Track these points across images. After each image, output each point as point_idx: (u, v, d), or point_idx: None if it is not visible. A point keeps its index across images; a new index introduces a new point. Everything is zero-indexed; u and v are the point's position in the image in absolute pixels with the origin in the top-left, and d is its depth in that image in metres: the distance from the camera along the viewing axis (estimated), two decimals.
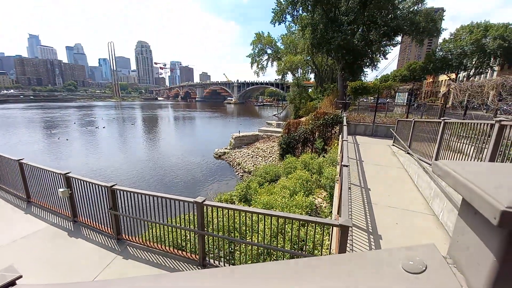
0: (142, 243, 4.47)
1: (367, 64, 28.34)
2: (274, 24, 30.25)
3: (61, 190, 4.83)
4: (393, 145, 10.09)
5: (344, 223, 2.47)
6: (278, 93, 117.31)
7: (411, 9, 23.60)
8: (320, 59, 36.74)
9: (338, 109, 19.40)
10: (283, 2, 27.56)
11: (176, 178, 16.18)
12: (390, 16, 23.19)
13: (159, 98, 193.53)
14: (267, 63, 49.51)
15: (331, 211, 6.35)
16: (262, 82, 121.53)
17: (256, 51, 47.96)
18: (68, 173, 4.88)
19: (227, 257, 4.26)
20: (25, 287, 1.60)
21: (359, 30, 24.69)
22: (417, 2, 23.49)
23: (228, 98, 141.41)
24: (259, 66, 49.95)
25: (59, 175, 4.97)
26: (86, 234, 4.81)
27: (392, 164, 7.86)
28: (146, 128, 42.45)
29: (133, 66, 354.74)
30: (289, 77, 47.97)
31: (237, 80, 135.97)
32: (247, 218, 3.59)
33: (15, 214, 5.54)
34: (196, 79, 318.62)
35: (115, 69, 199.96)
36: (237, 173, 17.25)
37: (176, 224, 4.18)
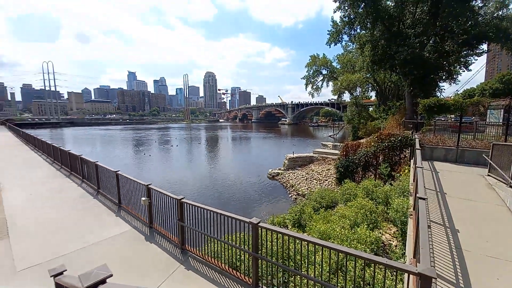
0: (201, 256, 4.77)
1: (443, 78, 24.56)
2: (329, 45, 30.10)
3: (143, 198, 5.76)
4: (489, 175, 8.06)
5: (425, 271, 2.02)
6: (334, 113, 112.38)
7: (494, 14, 20.06)
8: (382, 76, 33.98)
9: (408, 129, 17.10)
10: (339, 24, 27.43)
11: (232, 195, 16.96)
12: (470, 23, 20.05)
13: (220, 120, 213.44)
14: (322, 84, 48.84)
15: (404, 252, 5.38)
16: (317, 102, 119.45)
17: (311, 72, 48.18)
18: (149, 184, 5.80)
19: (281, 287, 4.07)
20: (113, 286, 1.92)
21: (430, 41, 22.10)
22: (501, 6, 19.89)
23: (282, 119, 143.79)
24: (314, 87, 49.66)
25: (142, 186, 5.96)
26: (158, 241, 5.48)
27: (488, 200, 6.23)
28: (208, 146, 46.94)
29: (201, 93, 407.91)
30: (346, 97, 45.72)
31: (292, 102, 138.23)
32: (302, 246, 3.39)
33: (108, 217, 6.83)
34: (253, 102, 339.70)
35: (187, 96, 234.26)
36: (290, 195, 16.83)
37: (231, 242, 4.33)
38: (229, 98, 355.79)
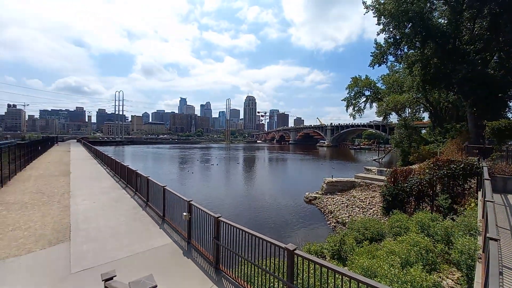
0: (234, 279, 4.73)
1: None
2: (373, 67, 29.05)
3: (184, 214, 6.14)
4: None
5: None
6: (379, 135, 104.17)
7: None
8: (436, 96, 30.79)
9: (472, 155, 14.76)
10: (383, 45, 26.52)
11: (266, 217, 16.62)
12: None
13: (258, 141, 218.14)
14: (364, 105, 46.58)
15: None
16: (359, 124, 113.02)
17: (353, 94, 46.66)
18: (190, 200, 6.19)
19: None
20: None
21: (494, 58, 19.56)
22: None
23: (321, 141, 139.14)
24: (356, 109, 47.60)
25: (185, 202, 6.39)
26: (195, 257, 5.68)
27: None
28: (246, 166, 47.93)
29: (241, 115, 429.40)
30: (393, 118, 42.33)
31: (331, 124, 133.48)
32: (343, 282, 3.00)
33: (153, 227, 7.41)
34: (291, 124, 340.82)
35: (228, 118, 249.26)
36: (328, 222, 15.64)
37: (265, 267, 4.21)
38: (267, 120, 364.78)
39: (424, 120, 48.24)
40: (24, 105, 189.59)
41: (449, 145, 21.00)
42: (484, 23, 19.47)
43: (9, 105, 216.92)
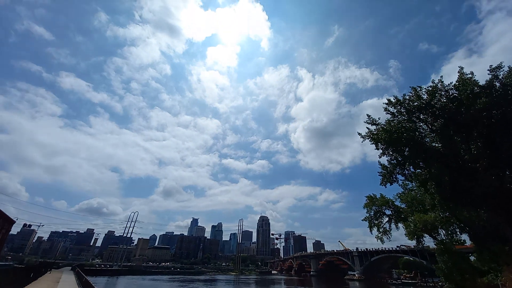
0: None
1: None
2: (384, 186, 29.09)
3: None
4: None
5: None
6: (418, 263, 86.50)
7: None
8: (466, 214, 28.16)
9: None
10: (388, 166, 27.56)
11: None
12: None
13: (273, 272, 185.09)
14: (389, 226, 42.50)
15: None
16: (390, 249, 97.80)
17: (372, 213, 43.98)
18: None
19: None
20: None
21: (507, 172, 19.46)
22: None
23: (350, 273, 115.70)
24: (381, 230, 43.11)
25: None
26: None
27: None
28: None
29: (254, 238, 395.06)
30: (428, 241, 36.93)
31: (357, 249, 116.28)
32: None
33: None
34: (309, 248, 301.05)
35: (239, 242, 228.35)
36: None
37: None
38: (283, 244, 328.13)
39: (467, 244, 41.39)
40: (38, 226, 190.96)
41: (508, 274, 16.59)
42: (478, 143, 20.49)
43: (24, 225, 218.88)
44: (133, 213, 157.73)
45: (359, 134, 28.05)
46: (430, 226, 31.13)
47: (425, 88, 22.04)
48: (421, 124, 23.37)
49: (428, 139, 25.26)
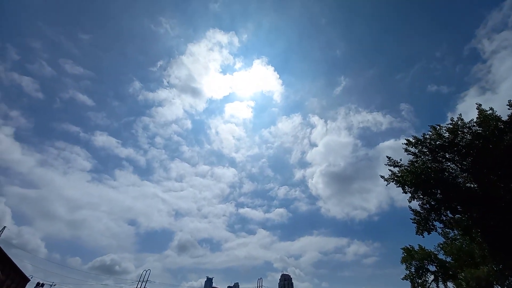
0: None
1: None
2: (421, 235, 25.77)
3: None
4: None
5: None
6: None
7: None
8: None
9: None
10: (421, 211, 24.95)
11: None
12: None
13: None
14: (437, 285, 35.72)
15: None
16: None
17: (413, 270, 37.75)
18: None
19: None
20: None
21: None
22: None
23: None
24: None
25: None
26: None
27: None
28: None
29: None
30: None
31: None
32: None
33: None
34: None
35: None
36: None
37: None
38: None
39: None
40: (50, 286, 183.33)
41: None
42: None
43: (38, 284, 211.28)
44: (145, 271, 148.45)
45: (381, 177, 26.56)
46: (485, 283, 25.75)
47: (445, 126, 21.61)
48: (449, 163, 22.03)
49: (461, 179, 23.34)
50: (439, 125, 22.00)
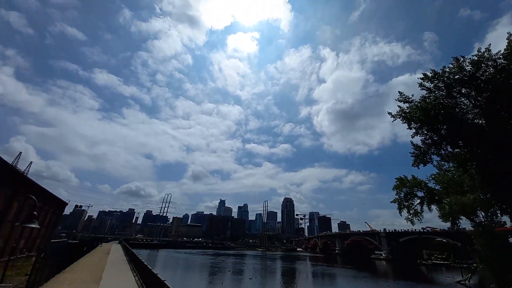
0: None
1: None
2: (417, 167, 27.38)
3: None
4: None
5: None
6: (452, 246, 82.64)
7: None
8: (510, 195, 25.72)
9: None
10: (421, 146, 25.75)
11: None
12: None
13: (297, 249, 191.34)
14: (421, 208, 40.52)
15: None
16: (421, 231, 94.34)
17: (402, 195, 42.06)
18: None
19: None
20: None
21: None
22: None
23: (376, 252, 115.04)
24: (412, 212, 41.37)
25: None
26: None
27: None
28: (286, 285, 39.92)
29: (279, 218, 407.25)
30: (465, 223, 34.88)
31: (384, 229, 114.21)
32: None
33: None
34: (334, 229, 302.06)
35: (265, 221, 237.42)
36: None
37: None
38: (307, 224, 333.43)
39: (507, 226, 38.30)
40: (88, 206, 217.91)
41: None
42: None
43: (76, 206, 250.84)
44: (167, 195, 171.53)
45: (389, 113, 26.23)
46: (469, 209, 29.12)
47: (469, 59, 19.46)
48: (463, 99, 21.01)
49: (470, 115, 22.88)
50: (463, 57, 19.77)
